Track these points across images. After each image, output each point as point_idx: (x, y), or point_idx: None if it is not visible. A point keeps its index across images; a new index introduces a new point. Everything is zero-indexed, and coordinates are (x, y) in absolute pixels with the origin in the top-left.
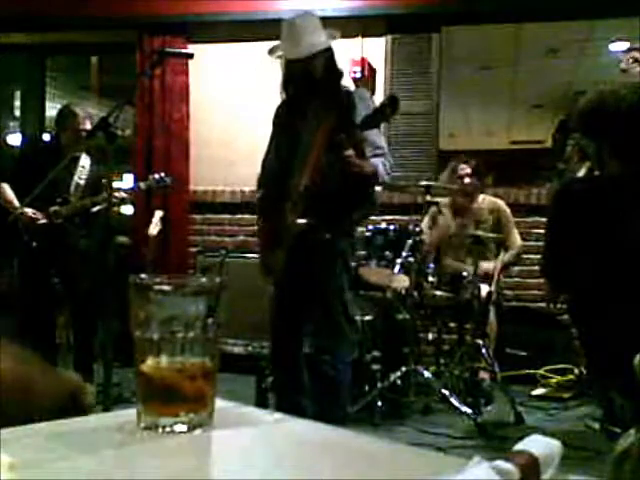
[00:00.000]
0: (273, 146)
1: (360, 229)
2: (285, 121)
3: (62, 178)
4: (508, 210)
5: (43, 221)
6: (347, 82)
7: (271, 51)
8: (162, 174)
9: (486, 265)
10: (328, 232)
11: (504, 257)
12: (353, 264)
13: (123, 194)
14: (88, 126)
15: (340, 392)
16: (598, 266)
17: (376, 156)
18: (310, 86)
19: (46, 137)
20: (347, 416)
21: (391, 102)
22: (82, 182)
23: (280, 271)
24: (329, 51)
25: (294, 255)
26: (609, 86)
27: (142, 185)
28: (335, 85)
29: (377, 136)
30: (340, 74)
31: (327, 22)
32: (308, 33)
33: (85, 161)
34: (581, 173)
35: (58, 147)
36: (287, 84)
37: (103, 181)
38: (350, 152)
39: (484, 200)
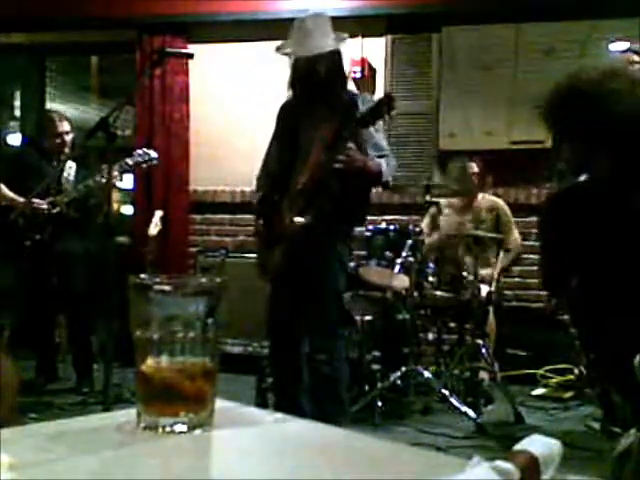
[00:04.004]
0: (275, 146)
1: (359, 229)
2: (289, 121)
3: (53, 177)
4: (508, 209)
5: (45, 206)
6: (351, 85)
7: (278, 48)
8: (144, 149)
9: (485, 271)
10: (325, 232)
11: (503, 260)
12: (353, 264)
13: (116, 172)
14: (66, 127)
15: (339, 391)
16: (597, 271)
17: (380, 157)
18: (314, 86)
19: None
20: (347, 415)
21: (387, 100)
22: (71, 178)
23: (276, 270)
24: (336, 54)
25: (291, 254)
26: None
27: (129, 161)
28: (339, 87)
29: (381, 138)
30: (345, 77)
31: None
32: (317, 34)
33: (71, 163)
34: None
35: (43, 152)
36: (293, 83)
37: (98, 180)
38: (352, 146)
39: (483, 199)
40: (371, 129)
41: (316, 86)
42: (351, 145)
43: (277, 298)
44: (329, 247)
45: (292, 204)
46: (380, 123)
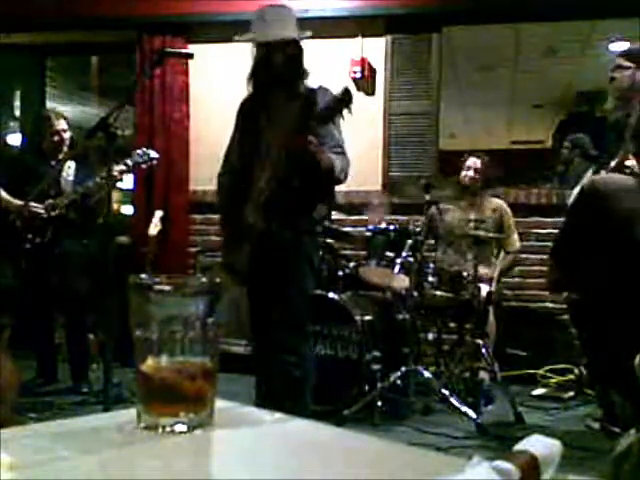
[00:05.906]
0: (236, 143)
1: (359, 230)
2: (249, 117)
3: (52, 179)
4: (510, 212)
5: (41, 209)
6: (347, 81)
7: (239, 36)
8: (144, 149)
9: (485, 270)
10: (291, 231)
11: (502, 263)
12: (353, 264)
13: (116, 173)
14: (64, 126)
15: (304, 392)
16: (605, 267)
17: (334, 153)
18: (272, 76)
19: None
20: (310, 416)
21: (345, 96)
22: (70, 178)
23: (243, 271)
24: (296, 47)
25: (258, 255)
26: None
27: (129, 161)
28: (297, 80)
29: (338, 134)
30: (304, 71)
31: (327, 22)
32: (276, 24)
33: (70, 163)
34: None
35: (41, 152)
36: (252, 74)
37: (98, 181)
38: (311, 140)
39: (487, 199)
40: (330, 124)
41: (274, 76)
42: (311, 139)
43: (253, 301)
44: (295, 246)
45: (255, 205)
46: (339, 118)
